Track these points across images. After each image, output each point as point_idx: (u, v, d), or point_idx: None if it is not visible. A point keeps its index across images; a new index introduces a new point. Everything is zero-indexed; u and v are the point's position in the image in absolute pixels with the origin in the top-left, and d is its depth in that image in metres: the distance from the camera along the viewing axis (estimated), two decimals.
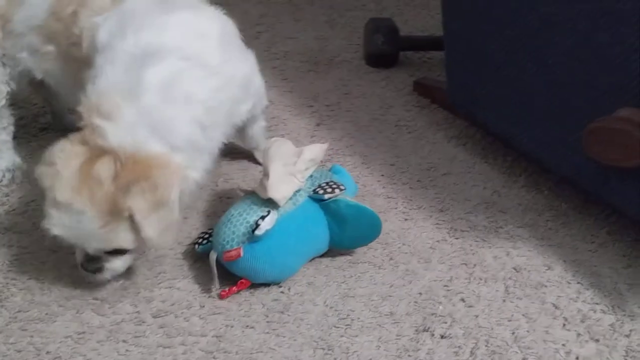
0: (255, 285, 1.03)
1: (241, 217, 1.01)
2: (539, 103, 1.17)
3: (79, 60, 1.11)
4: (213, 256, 1.01)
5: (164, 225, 0.95)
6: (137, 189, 0.92)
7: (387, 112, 1.51)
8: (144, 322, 0.98)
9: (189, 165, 1.00)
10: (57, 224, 0.95)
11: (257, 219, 0.99)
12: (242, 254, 0.98)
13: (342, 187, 1.06)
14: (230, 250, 0.99)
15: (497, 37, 1.22)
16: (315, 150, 1.08)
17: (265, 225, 0.97)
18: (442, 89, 1.56)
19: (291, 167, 1.06)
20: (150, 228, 0.93)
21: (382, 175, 1.31)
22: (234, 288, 1.01)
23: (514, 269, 1.09)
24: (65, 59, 1.16)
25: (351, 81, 1.64)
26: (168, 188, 0.94)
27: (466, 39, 1.31)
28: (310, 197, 1.06)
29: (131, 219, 0.93)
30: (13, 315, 0.99)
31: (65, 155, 0.96)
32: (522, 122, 1.22)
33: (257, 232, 0.97)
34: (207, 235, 1.06)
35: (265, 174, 1.04)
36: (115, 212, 0.93)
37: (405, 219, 1.20)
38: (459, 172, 1.32)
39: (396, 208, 1.22)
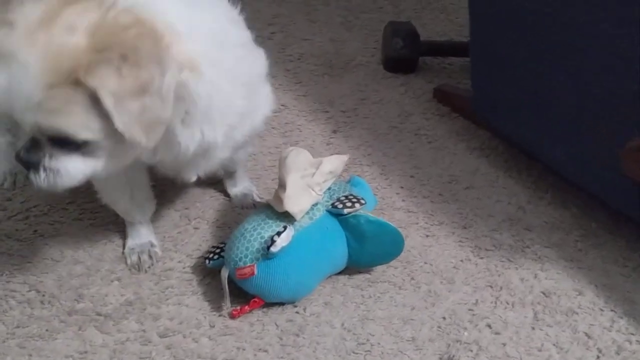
0: (268, 305, 0.97)
1: (255, 232, 0.95)
2: (569, 115, 1.11)
3: None
4: (225, 273, 0.95)
5: (145, 121, 0.69)
6: (113, 56, 0.67)
7: (406, 120, 1.45)
8: (150, 341, 0.92)
9: (204, 61, 0.75)
10: None
11: (272, 234, 0.93)
12: (255, 272, 0.93)
13: (362, 201, 1.00)
14: (244, 268, 0.93)
15: (525, 46, 1.16)
16: (335, 162, 1.02)
17: (281, 242, 0.91)
18: (463, 97, 1.50)
19: (309, 178, 1.00)
20: (122, 117, 0.68)
21: (402, 188, 1.25)
22: (246, 307, 0.95)
23: (543, 293, 1.02)
24: None
25: (368, 86, 1.57)
26: (160, 69, 0.69)
27: (492, 47, 1.25)
28: (328, 211, 1.00)
29: (97, 97, 0.68)
30: (11, 330, 0.93)
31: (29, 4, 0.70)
32: (550, 135, 1.16)
33: (272, 249, 0.91)
34: (218, 250, 1.00)
35: (281, 186, 0.98)
36: (75, 77, 0.67)
37: (427, 235, 1.14)
38: (481, 185, 1.26)
39: (417, 223, 1.16)
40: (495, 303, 1.00)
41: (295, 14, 1.88)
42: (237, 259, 0.94)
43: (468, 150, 1.37)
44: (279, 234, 0.92)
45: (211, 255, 1.00)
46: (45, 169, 0.74)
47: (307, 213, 0.98)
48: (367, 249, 1.00)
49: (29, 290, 1.00)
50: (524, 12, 1.15)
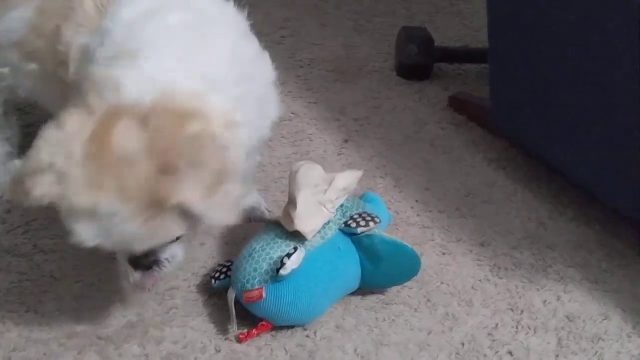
0: (277, 328, 0.92)
1: (264, 252, 0.90)
2: (595, 129, 1.05)
3: (64, 84, 0.93)
4: (231, 295, 0.90)
5: (231, 202, 0.74)
6: (184, 169, 0.70)
7: (421, 130, 1.40)
8: None
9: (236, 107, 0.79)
10: (87, 237, 0.74)
11: (282, 255, 0.88)
12: (264, 295, 0.88)
13: (376, 220, 0.95)
14: (251, 290, 0.88)
15: (547, 54, 1.11)
16: (349, 178, 0.97)
17: (292, 264, 0.86)
18: (480, 106, 1.45)
19: (321, 195, 0.95)
20: (213, 213, 0.73)
21: (416, 201, 1.20)
22: (254, 331, 0.90)
23: (567, 317, 0.97)
24: (51, 79, 0.97)
25: (381, 93, 1.52)
26: (225, 151, 0.73)
27: (513, 55, 1.20)
28: (340, 230, 0.95)
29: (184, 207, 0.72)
30: (7, 354, 0.89)
31: (63, 140, 0.72)
32: (574, 149, 1.10)
33: (281, 272, 0.86)
34: (225, 269, 0.95)
35: (292, 203, 0.93)
36: (159, 201, 0.71)
37: (443, 253, 1.09)
38: (499, 199, 1.21)
39: (433, 240, 1.11)
40: (517, 327, 0.95)
41: (306, 18, 1.83)
42: (245, 280, 0.89)
43: (485, 161, 1.31)
44: (288, 255, 0.87)
45: (217, 275, 0.95)
46: (166, 261, 0.83)
47: (319, 231, 0.93)
48: (381, 269, 0.95)
49: (27, 311, 0.96)
50: (547, 19, 1.09)
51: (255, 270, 0.89)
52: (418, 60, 1.57)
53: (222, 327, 0.93)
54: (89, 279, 1.01)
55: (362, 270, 0.95)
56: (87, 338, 0.91)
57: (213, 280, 0.96)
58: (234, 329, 0.91)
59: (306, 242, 0.91)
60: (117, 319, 0.94)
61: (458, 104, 1.49)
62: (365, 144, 1.36)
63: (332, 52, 1.67)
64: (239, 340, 0.90)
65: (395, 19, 1.82)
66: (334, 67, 1.62)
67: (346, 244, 0.94)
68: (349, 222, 0.95)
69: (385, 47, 1.69)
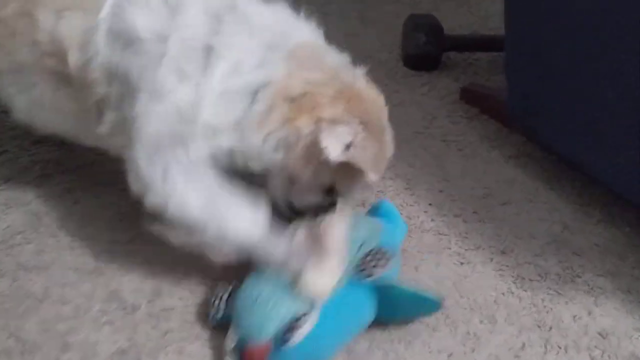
0: None
1: (271, 302, 0.80)
2: (621, 125, 0.96)
3: (61, 76, 0.90)
4: (230, 344, 0.81)
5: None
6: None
7: (431, 124, 1.31)
8: None
9: None
10: None
11: (292, 319, 0.78)
12: (266, 358, 0.78)
13: (388, 256, 0.85)
14: (253, 348, 0.79)
15: (568, 44, 1.02)
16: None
17: (303, 332, 0.77)
18: (494, 97, 1.36)
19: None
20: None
21: (430, 205, 1.11)
22: None
23: (599, 334, 0.88)
24: (24, 70, 0.93)
25: (388, 86, 1.40)
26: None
27: (531, 44, 1.11)
28: (355, 277, 0.84)
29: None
30: None
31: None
32: (598, 147, 1.01)
33: (292, 341, 0.77)
34: (224, 305, 0.85)
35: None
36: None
37: (461, 263, 1.00)
38: (519, 200, 1.12)
39: (449, 248, 1.03)
40: (545, 347, 0.87)
41: (306, 6, 1.73)
42: (248, 332, 0.79)
43: (502, 158, 1.22)
44: (299, 320, 0.78)
45: (215, 311, 0.86)
46: None
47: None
48: (399, 314, 0.87)
49: (8, 338, 0.87)
50: (568, 4, 1.00)
51: (261, 325, 0.79)
52: (426, 49, 1.48)
53: (223, 353, 0.85)
54: (76, 300, 0.93)
55: (379, 312, 0.85)
56: None
57: (210, 318, 0.87)
58: None
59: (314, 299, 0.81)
60: (107, 345, 0.86)
61: (470, 96, 1.40)
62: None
63: (334, 43, 1.57)
64: None
65: (400, 7, 1.73)
66: None
67: (360, 289, 0.84)
68: (362, 269, 0.84)
69: (390, 37, 1.60)
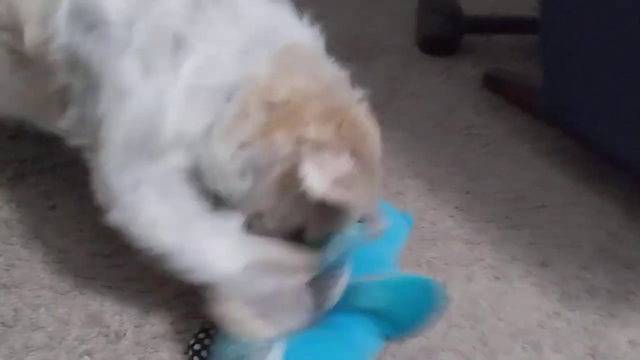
0: None
1: (235, 352, 0.66)
2: None
3: (18, 55, 0.77)
4: None
5: None
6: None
7: (451, 116, 1.18)
8: None
9: None
10: None
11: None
12: None
13: (343, 273, 0.70)
14: None
15: (613, 27, 0.89)
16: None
17: None
18: (521, 85, 1.22)
19: None
20: None
21: (456, 208, 0.98)
22: None
23: None
24: None
25: (402, 73, 1.29)
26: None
27: (571, 27, 0.97)
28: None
29: None
30: None
31: None
32: None
33: None
34: (205, 342, 0.72)
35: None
36: None
37: (496, 278, 0.87)
38: (558, 204, 0.99)
39: (482, 260, 0.90)
40: None
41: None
42: None
43: (534, 154, 1.09)
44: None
45: (197, 350, 0.72)
46: None
47: None
48: (394, 317, 0.72)
49: None
50: None
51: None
52: (444, 32, 1.34)
53: None
54: (50, 327, 0.80)
55: (376, 326, 0.72)
56: None
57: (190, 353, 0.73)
58: None
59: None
60: None
61: (494, 84, 1.26)
62: (388, 136, 1.12)
63: (344, 26, 1.43)
64: None
65: None
66: (347, 43, 1.38)
67: (342, 310, 0.71)
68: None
69: (404, 19, 1.46)
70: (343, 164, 0.67)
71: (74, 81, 0.73)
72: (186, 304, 0.82)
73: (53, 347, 0.77)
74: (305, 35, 0.75)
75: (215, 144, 0.69)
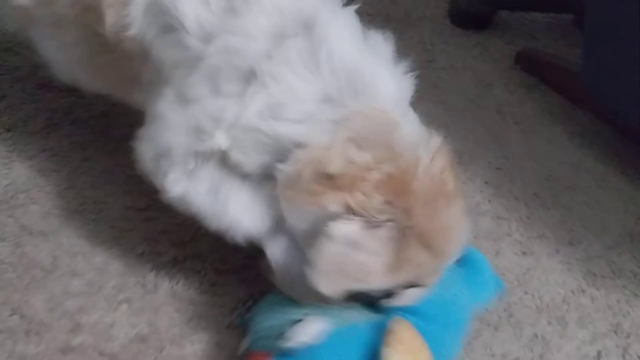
0: None
1: (286, 309, 0.67)
2: None
3: (101, 39, 0.75)
4: (244, 345, 0.70)
5: None
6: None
7: (484, 93, 1.18)
8: None
9: None
10: None
11: (293, 328, 0.65)
12: None
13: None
14: (256, 354, 0.67)
15: None
16: None
17: (299, 336, 0.64)
18: (556, 66, 1.22)
19: None
20: None
21: (486, 183, 0.99)
22: None
23: None
24: (64, 24, 0.79)
25: (435, 46, 1.29)
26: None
27: (616, 7, 0.96)
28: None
29: None
30: None
31: None
32: None
33: (284, 344, 0.64)
34: (251, 305, 0.74)
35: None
36: None
37: (524, 253, 0.89)
38: (588, 185, 1.00)
39: (510, 235, 0.91)
40: (624, 357, 0.76)
41: None
42: (255, 337, 0.68)
43: (566, 135, 1.10)
44: (297, 324, 0.64)
45: (243, 311, 0.74)
46: None
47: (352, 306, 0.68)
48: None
49: (11, 315, 0.76)
50: None
51: (269, 329, 0.67)
52: (479, 7, 1.33)
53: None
54: (88, 275, 0.82)
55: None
56: (87, 354, 0.72)
57: (234, 315, 0.76)
58: None
59: (337, 314, 0.67)
60: (125, 329, 0.75)
61: (528, 63, 1.25)
62: (420, 109, 1.12)
63: None
64: None
65: None
66: (378, 11, 1.37)
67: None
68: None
69: None
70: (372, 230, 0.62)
71: (143, 72, 0.73)
72: (221, 259, 0.84)
73: (92, 294, 0.80)
74: (390, 89, 0.69)
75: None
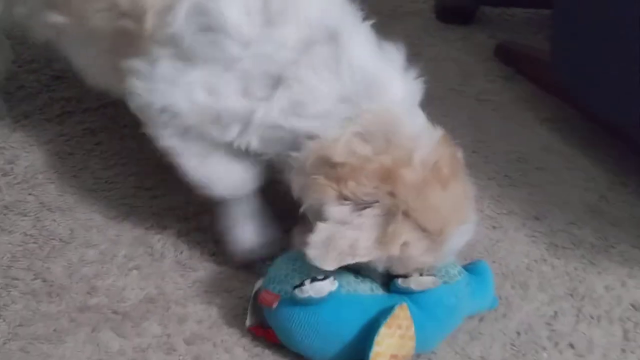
0: None
1: (307, 265, 0.75)
2: None
3: (132, 39, 0.82)
4: (257, 286, 0.80)
5: None
6: None
7: (466, 82, 1.26)
8: (174, 350, 0.78)
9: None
10: None
11: (305, 280, 0.75)
12: (274, 306, 0.75)
13: (436, 282, 0.78)
14: (269, 293, 0.77)
15: (623, 3, 0.96)
16: None
17: (310, 291, 0.73)
18: (531, 57, 1.31)
19: None
20: None
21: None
22: (262, 331, 0.79)
23: (632, 305, 0.87)
24: (98, 35, 0.86)
25: (421, 39, 1.38)
26: None
27: (580, 5, 1.05)
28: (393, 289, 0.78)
29: None
30: (13, 329, 0.80)
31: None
32: None
33: (296, 293, 0.74)
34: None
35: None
36: None
37: (494, 227, 0.98)
38: (555, 167, 1.09)
39: (482, 211, 1.00)
40: (578, 316, 0.86)
41: None
42: (271, 280, 0.78)
43: (537, 121, 1.19)
44: (313, 280, 0.74)
45: (265, 262, 0.84)
46: None
47: (367, 281, 0.78)
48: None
49: (34, 279, 0.86)
50: None
51: (286, 276, 0.77)
52: (462, 2, 1.42)
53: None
54: (102, 245, 0.92)
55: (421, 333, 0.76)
56: (102, 313, 0.82)
57: (258, 264, 0.86)
58: (248, 320, 0.80)
59: (351, 281, 0.77)
60: (135, 292, 0.85)
61: (506, 55, 1.34)
62: None
63: None
64: (249, 331, 0.80)
65: None
66: (368, 7, 1.45)
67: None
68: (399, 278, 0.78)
69: None
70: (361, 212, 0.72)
71: (162, 52, 0.79)
72: (220, 232, 0.93)
73: (105, 262, 0.90)
74: (400, 91, 0.78)
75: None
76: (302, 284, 0.73)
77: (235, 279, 0.87)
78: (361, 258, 0.73)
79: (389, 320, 0.73)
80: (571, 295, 0.89)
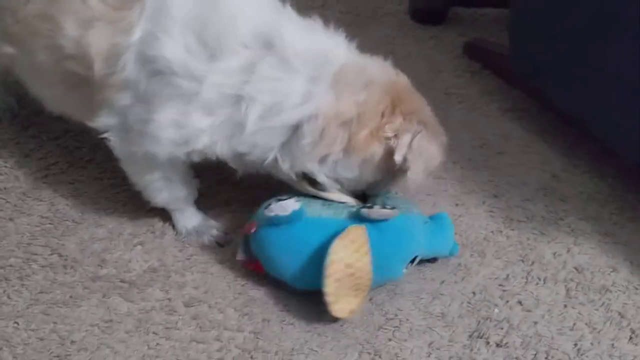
0: None
1: (278, 195, 0.91)
2: (622, 85, 1.02)
3: (80, 78, 0.91)
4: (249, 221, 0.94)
5: None
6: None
7: (435, 78, 1.39)
8: (175, 311, 0.91)
9: None
10: None
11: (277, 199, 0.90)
12: (252, 231, 0.90)
13: (394, 212, 0.91)
14: (248, 223, 0.91)
15: (574, 2, 1.08)
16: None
17: (277, 209, 0.87)
18: (497, 53, 1.42)
19: None
20: None
21: None
22: (252, 265, 0.93)
23: (576, 268, 0.99)
24: (45, 69, 0.94)
25: (396, 39, 1.50)
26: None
27: (536, 2, 1.17)
28: (357, 215, 0.90)
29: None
30: (34, 296, 0.92)
31: None
32: (598, 104, 1.08)
33: (265, 212, 0.88)
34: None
35: None
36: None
37: (456, 204, 1.10)
38: (514, 151, 1.21)
39: (446, 191, 1.12)
40: (527, 279, 0.98)
41: None
42: (256, 212, 0.92)
43: (500, 111, 1.31)
44: (279, 200, 0.89)
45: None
46: None
47: (331, 206, 0.92)
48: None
49: (51, 254, 0.98)
50: None
51: (262, 206, 0.91)
52: (434, 4, 1.53)
53: (240, 273, 0.96)
54: (109, 225, 1.03)
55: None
56: (111, 282, 0.94)
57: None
58: (238, 255, 0.94)
59: (317, 208, 0.90)
60: (140, 263, 0.97)
61: (474, 52, 1.46)
62: None
63: None
64: (239, 262, 0.95)
65: None
66: (349, 9, 1.58)
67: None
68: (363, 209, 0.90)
69: None
70: (414, 133, 0.90)
71: (119, 98, 0.88)
72: (215, 216, 1.05)
73: (113, 239, 1.02)
74: (343, 48, 0.92)
75: (299, 159, 0.88)
76: (269, 205, 0.87)
77: (227, 252, 0.99)
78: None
79: (342, 234, 0.86)
80: (522, 261, 1.01)
